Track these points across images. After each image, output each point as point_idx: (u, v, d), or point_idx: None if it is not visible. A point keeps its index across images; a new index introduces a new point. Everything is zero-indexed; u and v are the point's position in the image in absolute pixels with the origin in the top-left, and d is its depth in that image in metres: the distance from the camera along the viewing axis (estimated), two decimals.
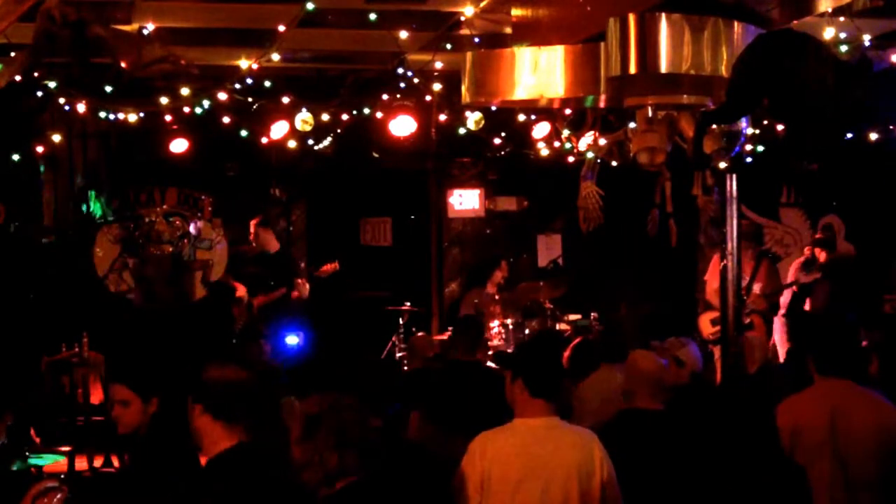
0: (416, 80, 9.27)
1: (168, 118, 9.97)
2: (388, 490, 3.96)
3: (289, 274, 10.44)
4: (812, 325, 5.03)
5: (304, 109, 9.77)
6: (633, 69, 5.98)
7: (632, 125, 7.48)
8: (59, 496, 3.89)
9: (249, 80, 9.18)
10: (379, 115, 10.00)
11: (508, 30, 7.76)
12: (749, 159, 8.97)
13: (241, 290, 10.05)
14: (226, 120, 10.03)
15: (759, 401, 5.55)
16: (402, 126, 9.79)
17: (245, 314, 10.01)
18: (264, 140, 10.30)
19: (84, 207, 11.11)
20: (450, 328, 11.13)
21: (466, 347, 7.04)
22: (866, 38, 7.44)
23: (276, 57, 8.47)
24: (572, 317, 10.84)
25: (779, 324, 10.21)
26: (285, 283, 10.25)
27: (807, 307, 10.04)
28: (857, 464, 4.58)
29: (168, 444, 4.68)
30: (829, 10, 6.41)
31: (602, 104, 7.34)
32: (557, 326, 10.66)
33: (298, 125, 9.82)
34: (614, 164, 8.80)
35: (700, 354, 6.52)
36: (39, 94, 9.37)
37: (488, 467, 4.37)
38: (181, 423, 4.42)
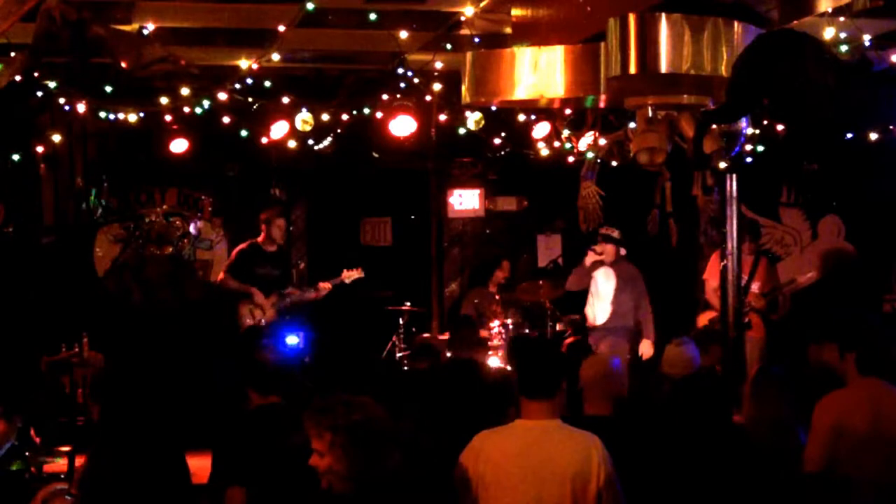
0: (416, 80, 9.27)
1: (168, 118, 9.97)
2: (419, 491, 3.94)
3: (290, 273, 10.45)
4: (856, 325, 4.98)
5: (304, 109, 9.77)
6: (633, 69, 5.98)
7: (632, 125, 7.49)
8: (67, 499, 3.90)
9: (249, 80, 9.18)
10: (379, 115, 10.00)
11: (508, 30, 7.76)
12: (749, 159, 8.97)
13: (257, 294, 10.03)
14: (226, 120, 10.03)
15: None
16: (402, 126, 9.79)
17: (258, 314, 9.97)
18: (264, 140, 10.30)
19: (84, 206, 11.11)
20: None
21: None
22: (866, 38, 7.44)
23: (276, 57, 8.46)
24: (572, 317, 10.85)
25: None
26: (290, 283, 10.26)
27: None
28: None
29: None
30: (829, 10, 6.40)
31: (602, 104, 7.34)
32: (558, 326, 10.67)
33: (298, 125, 9.82)
34: (614, 164, 8.81)
35: (697, 355, 6.52)
36: (39, 94, 9.37)
37: (484, 468, 4.35)
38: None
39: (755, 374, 5.54)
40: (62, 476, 6.34)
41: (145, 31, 7.76)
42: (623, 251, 10.12)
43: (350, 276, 10.48)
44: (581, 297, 11.13)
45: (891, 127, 10.32)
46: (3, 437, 5.41)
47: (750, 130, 8.14)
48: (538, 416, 4.41)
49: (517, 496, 4.29)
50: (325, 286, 10.29)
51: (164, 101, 9.12)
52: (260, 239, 10.17)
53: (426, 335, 10.31)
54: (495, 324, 10.24)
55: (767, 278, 9.70)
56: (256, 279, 10.02)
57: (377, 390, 4.96)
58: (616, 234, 10.09)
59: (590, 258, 10.19)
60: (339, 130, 10.56)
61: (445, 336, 10.76)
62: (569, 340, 10.44)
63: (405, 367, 9.90)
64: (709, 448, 5.01)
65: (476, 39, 8.07)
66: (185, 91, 8.87)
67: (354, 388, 4.46)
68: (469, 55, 7.03)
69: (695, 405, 5.51)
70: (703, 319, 9.72)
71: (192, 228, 11.90)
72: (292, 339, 10.07)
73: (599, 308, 10.15)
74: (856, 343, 4.84)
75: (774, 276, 9.92)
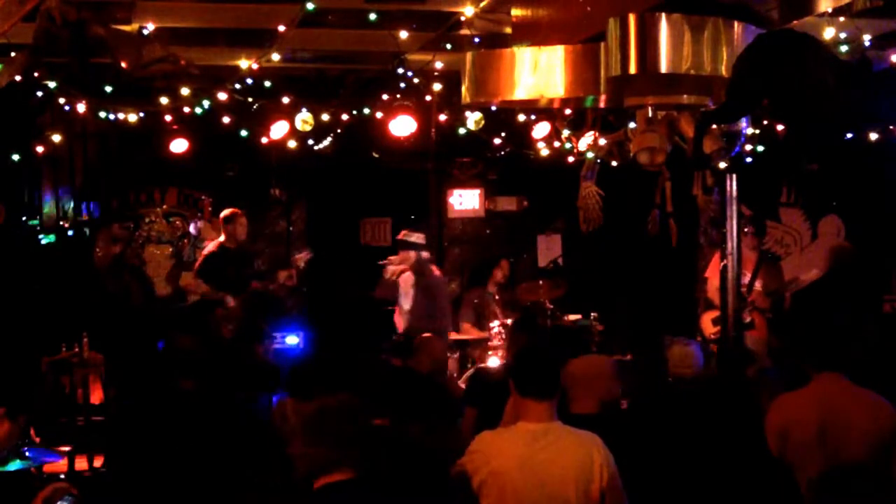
0: (416, 80, 9.27)
1: (168, 118, 9.97)
2: (375, 490, 3.97)
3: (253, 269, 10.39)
4: (806, 322, 5.04)
5: (304, 109, 9.77)
6: (633, 69, 5.97)
7: (632, 125, 7.48)
8: (68, 499, 3.92)
9: (249, 80, 9.18)
10: (379, 115, 10.00)
11: (508, 30, 7.75)
12: (749, 159, 8.97)
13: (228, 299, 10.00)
14: (226, 120, 10.03)
15: (747, 401, 5.59)
16: (402, 126, 9.79)
17: (233, 320, 9.94)
18: (264, 140, 10.30)
19: (84, 206, 11.12)
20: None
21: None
22: (866, 38, 7.44)
23: (276, 57, 8.47)
24: (572, 317, 10.84)
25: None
26: (263, 277, 10.21)
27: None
28: (848, 462, 4.58)
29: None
30: (829, 10, 6.40)
31: (602, 104, 7.33)
32: None
33: (298, 125, 9.82)
34: (614, 164, 8.80)
35: (701, 356, 6.50)
36: (39, 94, 9.38)
37: (485, 470, 4.35)
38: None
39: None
40: (62, 476, 6.35)
41: (145, 31, 7.76)
42: (426, 255, 9.97)
43: (301, 258, 10.40)
44: (582, 296, 11.15)
45: (891, 127, 10.32)
46: (9, 437, 5.44)
47: (750, 130, 8.13)
48: (539, 418, 4.39)
49: (520, 498, 4.29)
50: (283, 274, 10.22)
51: (164, 101, 9.12)
52: (224, 240, 10.15)
53: (426, 334, 10.28)
54: (495, 324, 10.24)
55: (771, 277, 9.68)
56: (226, 280, 9.99)
57: (376, 390, 4.99)
58: (415, 237, 9.95)
59: (388, 270, 10.07)
60: (339, 130, 10.56)
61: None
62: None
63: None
64: (706, 447, 5.02)
65: (476, 39, 8.07)
66: (185, 91, 8.87)
67: (354, 388, 4.48)
68: (469, 55, 7.02)
69: (699, 406, 5.52)
70: (706, 319, 9.70)
71: (192, 228, 11.89)
72: (292, 340, 10.09)
73: (402, 315, 10.07)
74: (805, 342, 4.86)
75: (778, 274, 9.91)
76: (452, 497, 4.39)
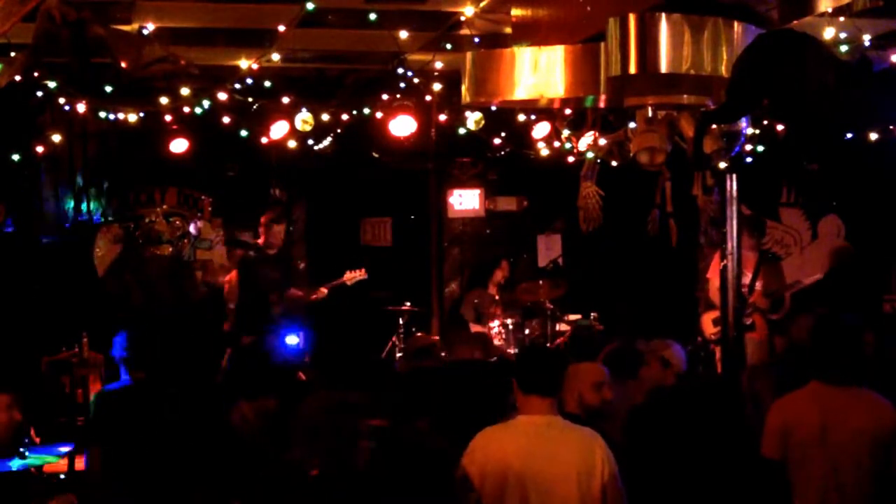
0: (416, 80, 9.27)
1: (168, 118, 9.97)
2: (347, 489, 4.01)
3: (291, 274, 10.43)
4: (811, 331, 5.03)
5: (304, 109, 9.77)
6: (633, 69, 5.98)
7: (632, 125, 7.49)
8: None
9: (249, 80, 9.19)
10: (379, 115, 10.00)
11: (508, 30, 7.76)
12: (749, 159, 8.97)
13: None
14: (226, 120, 10.03)
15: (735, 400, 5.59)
16: (402, 126, 9.79)
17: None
18: (264, 140, 10.30)
19: (84, 206, 11.12)
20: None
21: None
22: (866, 38, 7.44)
23: (276, 57, 8.47)
24: (572, 317, 10.85)
25: None
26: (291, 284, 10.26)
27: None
28: (848, 464, 4.59)
29: None
30: (829, 10, 6.41)
31: (602, 104, 7.34)
32: (557, 327, 10.66)
33: (298, 125, 9.82)
34: (614, 164, 8.81)
35: (684, 355, 6.49)
36: (39, 94, 9.38)
37: (487, 466, 4.35)
38: None
39: (750, 373, 5.55)
40: (62, 476, 6.36)
41: (145, 31, 7.76)
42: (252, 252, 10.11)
43: (353, 277, 10.42)
44: (582, 296, 11.16)
45: (891, 127, 10.32)
46: (9, 427, 5.47)
47: (750, 130, 8.13)
48: (539, 412, 4.40)
49: (523, 491, 4.29)
50: (323, 292, 10.22)
51: (164, 101, 9.11)
52: (261, 241, 10.18)
53: (419, 334, 10.29)
54: (495, 324, 10.25)
55: (771, 278, 9.68)
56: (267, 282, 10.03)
57: (375, 390, 4.99)
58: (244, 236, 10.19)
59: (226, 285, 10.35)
60: (339, 130, 10.56)
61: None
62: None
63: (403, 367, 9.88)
64: (697, 447, 5.02)
65: (476, 39, 8.07)
66: (185, 91, 8.87)
67: (353, 388, 4.49)
68: (469, 55, 7.03)
69: (689, 405, 5.52)
70: (707, 319, 9.70)
71: (192, 228, 11.89)
72: (292, 339, 10.09)
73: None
74: (809, 346, 4.87)
75: (779, 275, 9.91)
76: (453, 497, 4.38)
